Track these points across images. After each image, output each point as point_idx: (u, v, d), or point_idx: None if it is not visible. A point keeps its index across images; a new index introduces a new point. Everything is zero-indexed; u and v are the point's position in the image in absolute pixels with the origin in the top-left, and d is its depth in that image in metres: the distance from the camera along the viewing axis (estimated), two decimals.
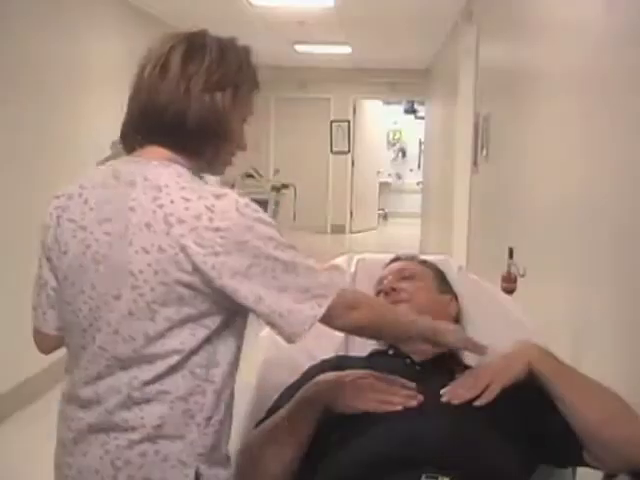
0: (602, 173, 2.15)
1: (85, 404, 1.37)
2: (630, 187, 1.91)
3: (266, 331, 1.92)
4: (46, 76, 4.50)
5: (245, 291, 1.30)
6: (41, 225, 1.46)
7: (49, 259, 1.44)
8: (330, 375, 1.63)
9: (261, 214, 1.34)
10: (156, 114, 1.39)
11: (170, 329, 1.31)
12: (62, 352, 1.56)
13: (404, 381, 1.62)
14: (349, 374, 1.62)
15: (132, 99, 1.43)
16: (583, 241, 2.31)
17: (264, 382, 1.80)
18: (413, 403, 1.55)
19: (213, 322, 1.34)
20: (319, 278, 1.36)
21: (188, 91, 1.37)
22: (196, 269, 1.29)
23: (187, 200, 1.31)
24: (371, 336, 1.62)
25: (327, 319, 1.37)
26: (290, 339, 1.35)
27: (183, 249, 1.28)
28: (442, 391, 1.57)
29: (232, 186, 8.99)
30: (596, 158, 2.23)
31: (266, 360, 1.88)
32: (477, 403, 1.51)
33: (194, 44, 1.41)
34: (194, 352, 1.33)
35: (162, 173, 1.35)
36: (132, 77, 1.43)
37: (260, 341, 1.93)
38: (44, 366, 4.30)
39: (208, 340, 1.34)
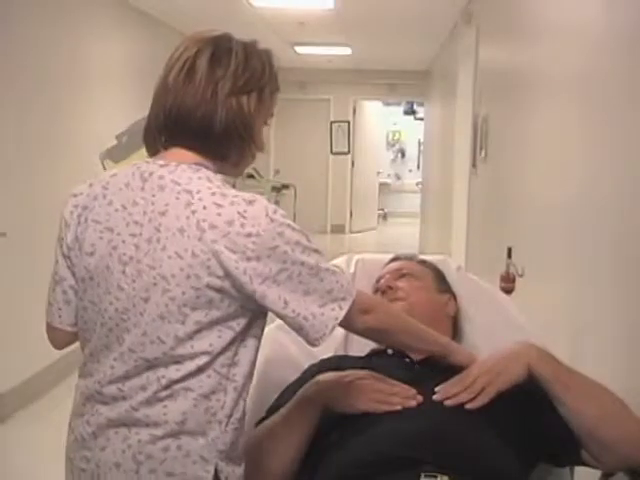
0: (600, 174, 2.15)
1: (108, 401, 1.37)
2: (628, 188, 1.90)
3: (267, 330, 1.92)
4: (48, 76, 4.50)
5: (273, 296, 1.31)
6: (59, 223, 1.46)
7: (67, 257, 1.43)
8: (330, 375, 1.63)
9: (289, 220, 1.34)
10: (182, 118, 1.38)
11: (199, 331, 1.32)
12: (67, 350, 1.57)
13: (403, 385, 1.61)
14: (349, 374, 1.62)
15: (156, 102, 1.42)
16: (581, 241, 2.31)
17: (264, 381, 1.80)
18: (412, 403, 1.55)
19: (238, 324, 1.35)
20: (340, 281, 1.37)
21: (215, 95, 1.38)
22: (228, 274, 1.29)
23: (219, 206, 1.31)
24: (385, 340, 1.64)
25: (345, 321, 1.39)
26: (313, 343, 1.37)
27: (215, 254, 1.29)
28: (436, 389, 1.57)
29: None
30: (594, 159, 2.22)
31: (266, 359, 1.87)
32: (469, 406, 1.51)
33: (220, 48, 1.41)
34: (221, 353, 1.34)
35: (192, 178, 1.35)
36: (156, 80, 1.43)
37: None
38: (51, 361, 4.31)
39: (232, 341, 1.35)
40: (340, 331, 1.92)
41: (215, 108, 1.37)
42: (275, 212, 1.33)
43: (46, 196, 4.26)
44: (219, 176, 1.40)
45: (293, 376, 1.75)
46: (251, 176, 9.46)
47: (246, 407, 1.42)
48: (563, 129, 2.62)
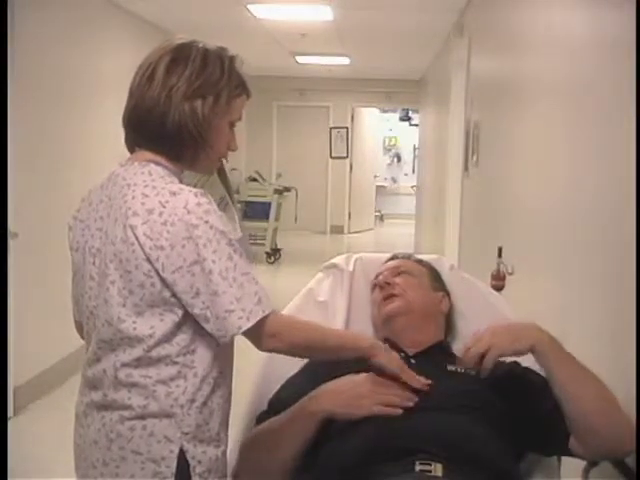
0: (584, 176, 2.15)
1: (90, 384, 1.43)
2: (610, 189, 1.90)
3: None
4: (63, 83, 4.50)
5: (183, 286, 1.33)
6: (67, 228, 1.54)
7: (72, 257, 1.51)
8: (328, 387, 1.57)
9: (211, 217, 1.34)
10: (141, 119, 1.43)
11: (139, 314, 1.35)
12: (80, 344, 1.59)
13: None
14: (346, 383, 1.56)
15: (126, 105, 1.47)
16: (567, 240, 2.30)
17: (265, 375, 1.79)
18: (410, 404, 1.52)
19: (180, 308, 1.37)
20: (252, 294, 1.34)
21: (169, 98, 1.40)
22: (147, 259, 1.33)
23: (145, 196, 1.36)
24: (302, 357, 1.62)
25: (251, 337, 1.37)
26: (215, 338, 1.36)
27: (137, 239, 1.33)
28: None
29: (237, 190, 8.98)
30: (578, 162, 2.22)
31: (268, 354, 1.87)
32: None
33: (179, 54, 1.43)
34: (168, 339, 1.36)
35: (136, 173, 1.40)
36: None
37: None
38: (64, 355, 4.30)
39: (180, 327, 1.37)
40: (339, 325, 1.91)
41: (168, 111, 1.40)
42: (198, 206, 1.33)
43: (58, 197, 4.24)
44: (165, 172, 1.41)
45: (293, 370, 1.74)
46: (254, 179, 9.45)
47: (246, 401, 1.42)
48: (549, 134, 2.62)
